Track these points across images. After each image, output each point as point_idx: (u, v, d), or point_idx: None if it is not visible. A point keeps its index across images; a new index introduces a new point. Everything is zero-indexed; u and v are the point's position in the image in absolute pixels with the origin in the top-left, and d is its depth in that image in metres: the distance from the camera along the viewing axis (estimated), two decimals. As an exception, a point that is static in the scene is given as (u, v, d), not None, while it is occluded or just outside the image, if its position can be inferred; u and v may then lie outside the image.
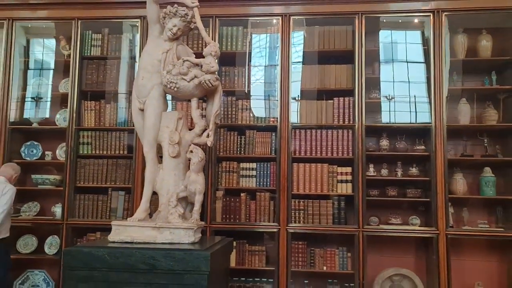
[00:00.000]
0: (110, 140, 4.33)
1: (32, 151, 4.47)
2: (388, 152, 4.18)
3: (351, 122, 4.14)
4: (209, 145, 2.86)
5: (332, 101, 4.22)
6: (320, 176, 4.13)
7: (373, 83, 4.27)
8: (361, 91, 4.10)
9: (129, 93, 4.37)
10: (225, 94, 4.16)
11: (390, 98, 4.27)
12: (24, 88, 4.59)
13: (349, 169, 4.11)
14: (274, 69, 4.36)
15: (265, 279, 4.13)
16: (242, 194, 4.16)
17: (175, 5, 2.88)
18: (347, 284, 4.04)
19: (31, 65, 4.66)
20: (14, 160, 4.26)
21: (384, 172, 4.18)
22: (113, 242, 2.63)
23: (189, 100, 3.04)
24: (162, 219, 2.74)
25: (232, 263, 3.98)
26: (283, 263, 3.98)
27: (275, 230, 4.03)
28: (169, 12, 2.86)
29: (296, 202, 4.09)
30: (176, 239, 2.61)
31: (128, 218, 2.79)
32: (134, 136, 4.19)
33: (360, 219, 3.95)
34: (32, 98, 4.57)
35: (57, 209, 4.29)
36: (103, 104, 4.40)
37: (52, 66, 4.71)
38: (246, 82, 4.38)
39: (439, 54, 4.05)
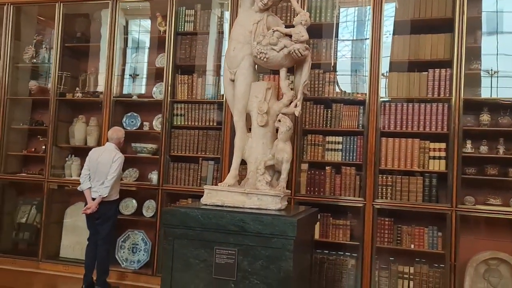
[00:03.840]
0: (201, 112, 4.54)
1: (132, 121, 4.85)
2: (489, 128, 3.87)
3: (447, 95, 3.89)
4: (296, 115, 2.88)
5: (426, 72, 3.99)
6: (410, 152, 3.95)
7: (474, 53, 3.95)
8: (460, 62, 3.82)
9: (217, 67, 4.54)
10: (311, 67, 4.12)
11: (493, 72, 3.91)
12: (124, 65, 4.94)
13: (443, 145, 3.88)
14: (362, 44, 4.22)
15: (349, 254, 4.11)
16: (327, 168, 4.13)
17: (267, -24, 2.90)
18: (436, 265, 3.88)
19: (129, 44, 4.99)
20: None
21: (484, 149, 3.88)
22: (205, 204, 2.80)
23: (278, 71, 3.06)
24: (250, 185, 2.84)
25: (316, 235, 4.00)
26: (368, 239, 3.92)
27: (360, 205, 3.98)
28: (261, -18, 2.89)
29: (384, 177, 3.97)
30: (264, 205, 2.70)
31: (219, 183, 2.94)
32: (223, 108, 4.35)
33: (454, 198, 3.74)
34: (130, 75, 4.93)
35: (153, 176, 4.64)
36: (195, 78, 4.61)
37: (148, 44, 4.99)
38: (333, 55, 4.29)
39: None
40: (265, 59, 2.82)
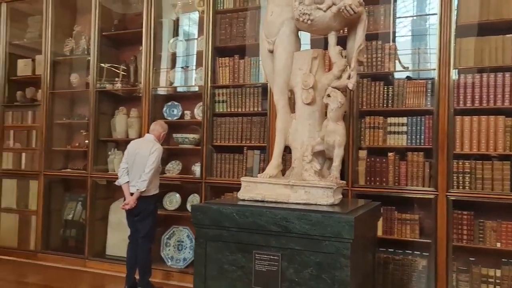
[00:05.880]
0: (245, 97, 4.14)
1: (173, 111, 4.54)
2: None
3: (539, 61, 3.21)
4: (350, 88, 2.35)
5: (511, 35, 3.32)
6: (493, 131, 3.34)
7: None
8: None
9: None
10: (368, 37, 3.56)
11: None
12: (174, 59, 4.65)
13: (535, 122, 3.22)
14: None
15: (419, 253, 3.57)
16: (389, 154, 3.61)
17: None
18: (529, 267, 3.22)
19: (181, 36, 4.69)
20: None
21: None
22: (243, 200, 2.38)
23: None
24: (296, 176, 2.37)
25: (379, 232, 3.49)
26: (442, 236, 3.37)
27: (431, 196, 3.43)
28: None
29: (460, 163, 3.39)
30: (312, 199, 2.23)
31: (258, 174, 2.50)
32: (268, 90, 3.91)
33: (552, 186, 3.07)
34: (181, 67, 4.62)
35: (197, 168, 4.31)
36: (236, 59, 4.20)
37: (196, 36, 4.65)
38: (391, 21, 3.69)
39: None
40: (309, 22, 2.31)
